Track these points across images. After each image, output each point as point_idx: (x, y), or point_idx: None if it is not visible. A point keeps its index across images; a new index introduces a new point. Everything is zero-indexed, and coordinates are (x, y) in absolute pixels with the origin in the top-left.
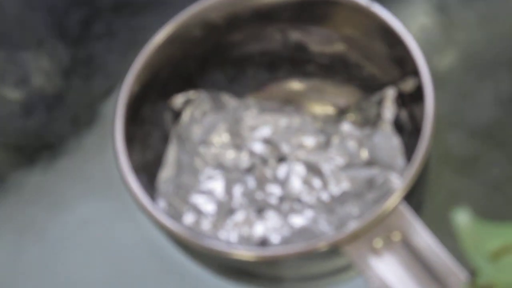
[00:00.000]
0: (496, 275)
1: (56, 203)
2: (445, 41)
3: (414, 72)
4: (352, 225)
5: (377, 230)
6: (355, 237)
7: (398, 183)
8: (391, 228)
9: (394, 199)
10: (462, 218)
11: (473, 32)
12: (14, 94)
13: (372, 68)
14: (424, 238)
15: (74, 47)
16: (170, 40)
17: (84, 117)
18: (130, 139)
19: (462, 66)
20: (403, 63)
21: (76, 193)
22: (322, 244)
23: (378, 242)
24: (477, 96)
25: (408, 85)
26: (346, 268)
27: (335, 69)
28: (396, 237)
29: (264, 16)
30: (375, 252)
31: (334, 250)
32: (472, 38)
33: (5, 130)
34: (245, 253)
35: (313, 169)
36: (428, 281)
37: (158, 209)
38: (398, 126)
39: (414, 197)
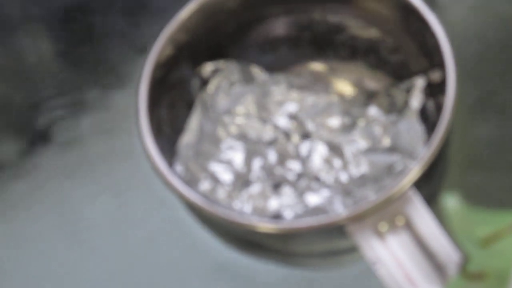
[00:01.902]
0: (486, 262)
1: (77, 169)
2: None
3: (441, 64)
4: (360, 206)
5: (384, 214)
6: (361, 217)
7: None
8: (398, 212)
9: (404, 184)
10: (452, 203)
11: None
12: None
13: (404, 56)
14: (430, 226)
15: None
16: (206, 7)
17: (112, 80)
18: (155, 103)
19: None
20: (432, 54)
21: (98, 160)
22: (327, 221)
23: (384, 226)
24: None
25: (436, 75)
26: (350, 250)
27: (367, 54)
28: (401, 221)
29: None
30: (380, 235)
31: (340, 229)
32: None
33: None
34: (252, 223)
35: (335, 149)
36: (429, 268)
37: (174, 173)
38: (424, 115)
39: (427, 186)
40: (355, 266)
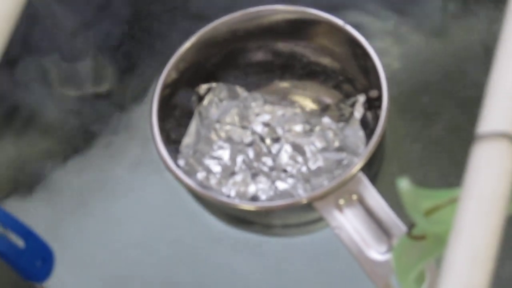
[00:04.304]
0: (427, 227)
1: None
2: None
3: (378, 84)
4: (323, 187)
5: (341, 192)
6: (324, 195)
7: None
8: (351, 191)
9: (354, 169)
10: (404, 184)
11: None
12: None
13: (350, 78)
14: (376, 199)
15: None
16: (200, 43)
17: (131, 104)
18: (164, 116)
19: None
20: (372, 77)
21: (122, 166)
22: (301, 199)
23: (341, 201)
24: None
25: (374, 93)
26: (318, 220)
27: (322, 75)
28: (355, 197)
29: (269, 31)
30: (339, 208)
31: (309, 205)
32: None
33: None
34: (236, 202)
35: (298, 149)
36: (377, 231)
37: (178, 167)
38: (365, 123)
39: (371, 169)
40: (322, 233)
